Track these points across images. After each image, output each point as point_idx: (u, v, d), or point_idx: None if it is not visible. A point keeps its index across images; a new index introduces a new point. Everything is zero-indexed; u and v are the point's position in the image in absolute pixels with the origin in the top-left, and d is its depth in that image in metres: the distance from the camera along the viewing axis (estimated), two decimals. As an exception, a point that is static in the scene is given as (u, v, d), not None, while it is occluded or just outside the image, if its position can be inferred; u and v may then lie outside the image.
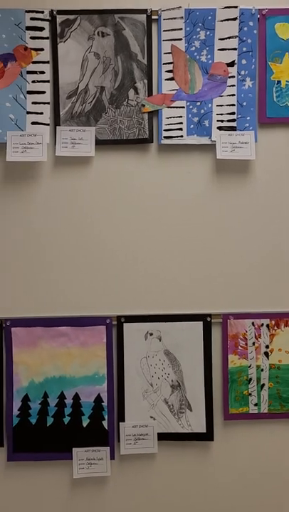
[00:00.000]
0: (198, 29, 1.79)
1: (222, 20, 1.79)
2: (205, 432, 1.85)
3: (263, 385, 1.86)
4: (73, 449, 1.84)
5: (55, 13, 1.76)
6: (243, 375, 1.86)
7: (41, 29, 1.77)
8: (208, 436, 1.86)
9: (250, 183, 1.85)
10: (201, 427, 1.86)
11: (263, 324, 1.86)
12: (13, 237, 1.83)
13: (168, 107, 1.80)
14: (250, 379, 1.86)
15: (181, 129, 1.80)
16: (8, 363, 1.84)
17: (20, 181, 1.82)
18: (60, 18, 1.76)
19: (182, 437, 1.86)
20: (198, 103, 1.81)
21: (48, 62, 1.78)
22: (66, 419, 1.86)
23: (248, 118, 1.81)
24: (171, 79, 1.80)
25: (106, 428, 1.85)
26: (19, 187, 1.82)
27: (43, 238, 1.84)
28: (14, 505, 1.86)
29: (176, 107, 1.80)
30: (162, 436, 1.85)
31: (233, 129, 1.81)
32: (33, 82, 1.78)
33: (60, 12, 1.76)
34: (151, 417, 1.85)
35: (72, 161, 1.82)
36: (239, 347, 1.86)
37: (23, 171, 1.81)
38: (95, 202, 1.84)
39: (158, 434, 1.85)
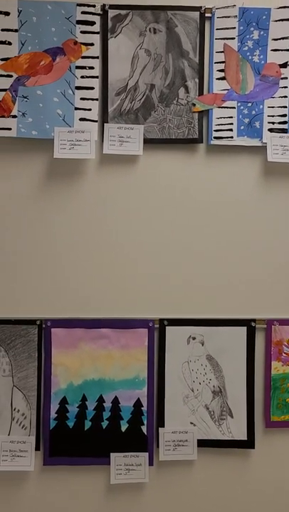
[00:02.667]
0: (252, 28, 1.75)
1: (276, 21, 1.75)
2: (246, 439, 1.82)
3: (307, 392, 1.84)
4: (111, 454, 1.80)
5: (107, 7, 1.72)
6: (287, 382, 1.82)
7: (92, 23, 1.73)
8: (249, 443, 1.82)
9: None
10: (242, 435, 1.82)
11: (308, 331, 1.83)
12: (56, 236, 1.79)
13: (218, 107, 1.77)
14: (294, 386, 1.83)
15: (231, 130, 1.77)
16: (47, 364, 1.80)
17: (65, 178, 1.77)
18: (111, 13, 1.72)
19: (222, 444, 1.82)
20: (250, 104, 1.77)
21: (97, 57, 1.74)
22: (104, 424, 1.81)
23: (300, 120, 1.79)
24: (223, 78, 1.77)
25: (145, 433, 1.81)
26: (64, 184, 1.78)
27: (86, 238, 1.80)
28: (49, 510, 1.81)
29: (227, 107, 1.77)
30: (202, 443, 1.81)
31: (284, 131, 1.77)
32: (82, 77, 1.74)
33: (113, 7, 1.72)
34: (192, 423, 1.81)
35: (118, 160, 1.77)
36: (283, 354, 1.83)
37: (69, 167, 1.77)
38: (140, 201, 1.80)
39: (198, 440, 1.81)
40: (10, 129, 1.71)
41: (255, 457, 1.83)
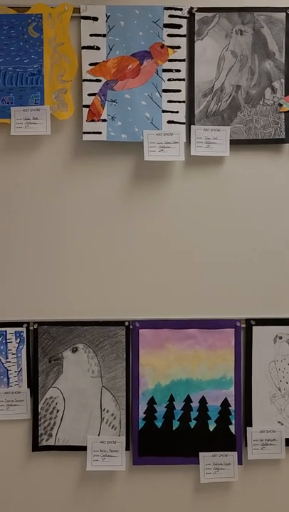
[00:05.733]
0: None
1: None
2: None
3: None
4: (200, 453, 1.81)
5: (194, 10, 1.73)
6: None
7: (179, 26, 1.74)
8: None
9: None
10: None
11: None
12: (143, 236, 1.80)
13: (305, 107, 1.78)
14: None
15: None
16: (135, 364, 1.81)
17: (152, 180, 1.79)
18: (198, 16, 1.73)
19: (310, 443, 1.84)
20: None
21: (184, 60, 1.75)
22: (192, 423, 1.83)
23: None
24: (309, 78, 1.78)
25: (233, 433, 1.82)
26: (151, 186, 1.79)
27: (173, 239, 1.81)
28: (138, 509, 1.83)
29: (313, 107, 1.78)
30: (290, 442, 1.83)
31: None
32: (169, 80, 1.75)
33: (200, 10, 1.73)
34: (279, 422, 1.82)
35: (204, 161, 1.78)
36: None
37: (155, 169, 1.78)
38: (226, 202, 1.80)
39: (286, 439, 1.82)
40: (100, 132, 1.73)
41: None
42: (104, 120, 1.74)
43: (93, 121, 1.74)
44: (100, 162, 1.78)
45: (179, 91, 1.76)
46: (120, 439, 1.80)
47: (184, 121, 1.76)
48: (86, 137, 1.73)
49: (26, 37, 1.72)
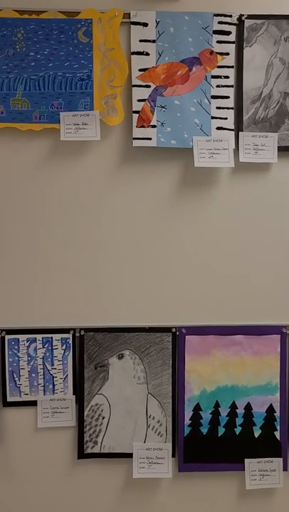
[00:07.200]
0: None
1: None
2: None
3: None
4: (245, 459, 1.81)
5: (243, 17, 1.74)
6: None
7: (228, 33, 1.74)
8: None
9: None
10: None
11: None
12: (191, 244, 1.80)
13: None
14: None
15: None
16: (180, 371, 1.81)
17: (200, 186, 1.79)
18: (247, 23, 1.74)
19: None
20: None
21: (232, 66, 1.76)
22: (237, 430, 1.82)
23: None
24: None
25: (278, 439, 1.82)
26: (199, 192, 1.79)
27: (218, 245, 1.81)
28: (183, 516, 1.84)
29: None
30: None
31: None
32: (218, 86, 1.75)
33: (250, 17, 1.74)
34: None
35: (251, 167, 1.79)
36: None
37: (203, 175, 1.78)
38: (273, 208, 1.81)
39: None
40: (150, 138, 1.72)
41: None
42: (154, 126, 1.73)
43: (143, 127, 1.73)
44: (148, 168, 1.77)
45: (227, 97, 1.76)
46: (166, 445, 1.80)
47: (232, 127, 1.76)
48: (136, 143, 1.73)
49: (76, 42, 1.72)
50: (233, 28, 1.75)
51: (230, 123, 1.77)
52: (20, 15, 1.70)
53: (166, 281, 1.81)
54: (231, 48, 1.76)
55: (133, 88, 1.73)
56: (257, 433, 1.83)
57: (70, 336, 1.78)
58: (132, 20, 1.72)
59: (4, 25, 1.70)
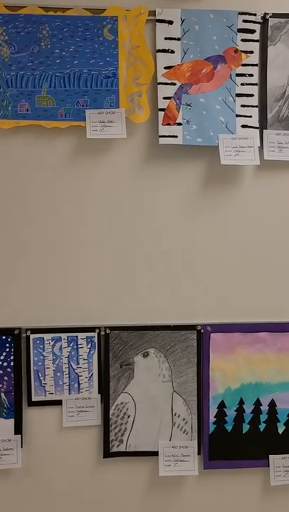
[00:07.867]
0: None
1: None
2: None
3: None
4: (270, 456, 1.82)
5: (268, 16, 1.74)
6: None
7: (252, 32, 1.75)
8: None
9: None
10: None
11: None
12: (216, 241, 1.80)
13: None
14: None
15: None
16: (205, 369, 1.81)
17: (225, 183, 1.79)
18: (271, 22, 1.74)
19: None
20: None
21: (256, 65, 1.77)
22: (262, 426, 1.83)
23: None
24: None
25: (302, 435, 1.85)
26: (224, 189, 1.79)
27: (245, 242, 1.81)
28: (209, 513, 1.84)
29: None
30: None
31: None
32: (242, 84, 1.76)
33: (274, 15, 1.74)
34: None
35: (274, 165, 1.79)
36: None
37: (228, 173, 1.79)
38: (296, 207, 1.84)
39: None
40: (176, 136, 1.72)
41: None
42: (179, 124, 1.73)
43: (169, 124, 1.73)
44: (174, 165, 1.77)
45: (252, 95, 1.77)
46: (192, 443, 1.80)
47: (257, 125, 1.77)
48: (162, 141, 1.72)
49: (101, 39, 1.71)
50: (257, 27, 1.76)
51: (254, 121, 1.77)
52: (46, 12, 1.69)
53: (190, 279, 1.81)
54: (255, 47, 1.76)
55: (159, 86, 1.73)
56: (281, 429, 1.84)
57: (95, 334, 1.78)
58: (157, 17, 1.72)
59: (29, 22, 1.69)
